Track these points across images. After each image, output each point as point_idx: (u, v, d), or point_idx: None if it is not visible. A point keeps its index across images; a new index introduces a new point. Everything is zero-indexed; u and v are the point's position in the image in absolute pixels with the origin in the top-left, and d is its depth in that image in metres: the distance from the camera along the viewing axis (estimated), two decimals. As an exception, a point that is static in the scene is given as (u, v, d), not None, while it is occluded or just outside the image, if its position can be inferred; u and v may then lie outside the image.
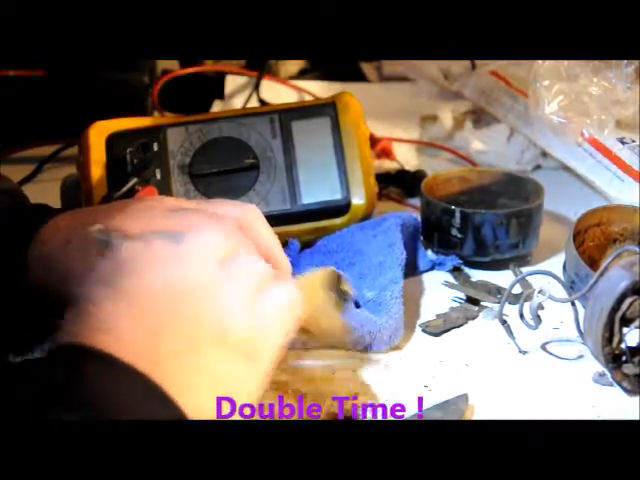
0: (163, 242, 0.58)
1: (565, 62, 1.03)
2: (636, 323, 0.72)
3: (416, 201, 1.00)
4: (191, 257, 0.58)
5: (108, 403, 0.50)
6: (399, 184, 1.09)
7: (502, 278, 0.89)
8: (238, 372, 0.56)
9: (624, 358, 0.73)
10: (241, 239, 0.63)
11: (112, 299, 0.54)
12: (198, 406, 0.54)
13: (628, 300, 0.71)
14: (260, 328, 0.58)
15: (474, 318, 0.84)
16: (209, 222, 0.65)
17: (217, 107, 1.27)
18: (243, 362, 0.57)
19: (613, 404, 0.72)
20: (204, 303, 0.56)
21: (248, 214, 0.72)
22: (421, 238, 0.93)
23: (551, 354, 0.79)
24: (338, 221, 0.90)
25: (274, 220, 0.75)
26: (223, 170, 0.90)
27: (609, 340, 0.72)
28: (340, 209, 0.90)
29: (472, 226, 0.90)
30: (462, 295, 0.87)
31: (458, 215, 0.90)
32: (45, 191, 0.95)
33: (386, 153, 1.14)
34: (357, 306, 0.79)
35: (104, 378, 0.51)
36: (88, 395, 0.51)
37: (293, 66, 1.36)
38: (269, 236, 0.72)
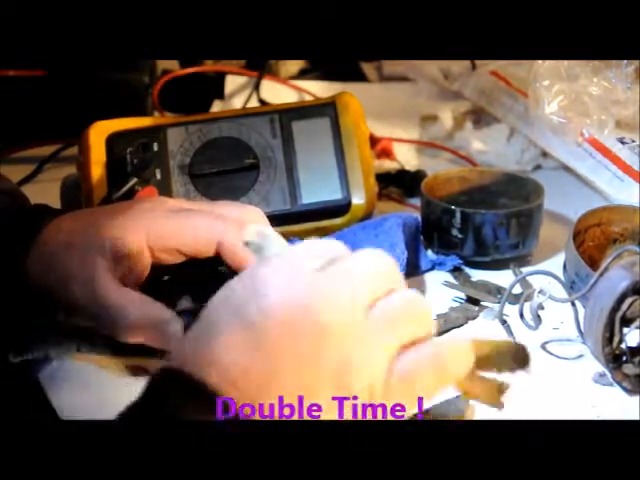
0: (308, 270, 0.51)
1: (565, 62, 1.03)
2: (636, 323, 0.72)
3: (416, 201, 1.00)
4: (339, 294, 0.51)
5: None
6: (399, 184, 1.09)
7: (502, 278, 0.89)
8: None
9: (624, 358, 0.73)
10: (395, 277, 0.54)
11: (239, 331, 0.50)
12: None
13: (628, 300, 0.71)
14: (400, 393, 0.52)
15: (474, 318, 0.84)
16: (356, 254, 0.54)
17: (217, 107, 1.27)
18: None
19: (613, 404, 0.72)
20: (342, 350, 0.50)
21: (250, 215, 0.72)
22: (422, 238, 0.92)
23: (551, 354, 0.79)
24: (338, 221, 0.90)
25: (274, 220, 0.75)
26: (223, 170, 0.90)
27: (609, 340, 0.72)
28: (340, 209, 0.90)
29: (472, 226, 0.90)
30: (462, 295, 0.87)
31: (458, 215, 0.90)
32: (45, 191, 0.95)
33: (386, 153, 1.14)
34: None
35: (194, 410, 0.50)
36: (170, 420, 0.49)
37: (293, 66, 1.36)
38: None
